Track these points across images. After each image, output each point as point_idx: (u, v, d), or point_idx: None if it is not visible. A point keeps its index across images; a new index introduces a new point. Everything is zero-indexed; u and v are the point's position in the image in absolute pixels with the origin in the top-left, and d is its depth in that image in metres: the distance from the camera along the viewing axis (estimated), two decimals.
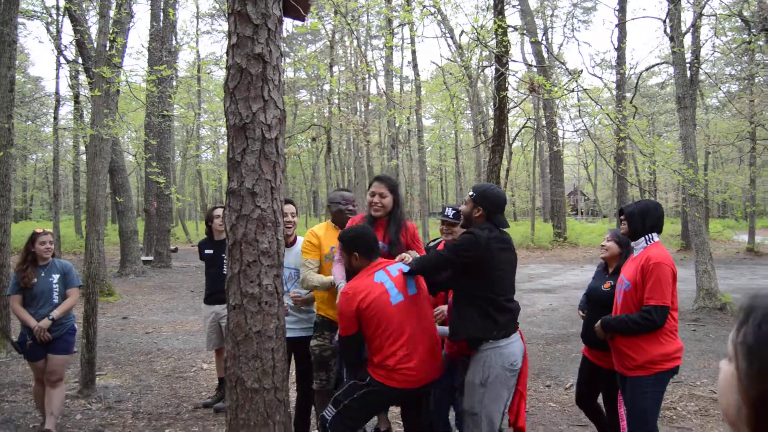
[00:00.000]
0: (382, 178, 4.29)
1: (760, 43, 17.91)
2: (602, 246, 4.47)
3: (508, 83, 7.61)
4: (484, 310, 3.48)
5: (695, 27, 13.31)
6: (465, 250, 3.47)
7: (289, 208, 4.59)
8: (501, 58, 7.19)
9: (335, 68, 21.56)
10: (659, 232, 3.75)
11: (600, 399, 4.56)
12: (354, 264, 3.72)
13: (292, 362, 4.66)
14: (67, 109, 32.59)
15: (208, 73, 27.01)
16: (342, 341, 3.67)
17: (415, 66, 24.41)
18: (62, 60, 18.12)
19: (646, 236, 3.71)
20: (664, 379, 3.64)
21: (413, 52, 24.39)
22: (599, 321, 3.77)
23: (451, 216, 4.62)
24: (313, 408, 4.79)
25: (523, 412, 3.72)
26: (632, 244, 3.83)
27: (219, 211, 5.90)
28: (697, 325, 9.79)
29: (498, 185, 7.93)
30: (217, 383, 6.19)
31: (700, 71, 16.73)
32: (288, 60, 26.06)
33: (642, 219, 3.70)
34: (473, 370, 3.52)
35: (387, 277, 3.60)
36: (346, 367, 4.11)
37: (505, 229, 3.70)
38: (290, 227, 4.63)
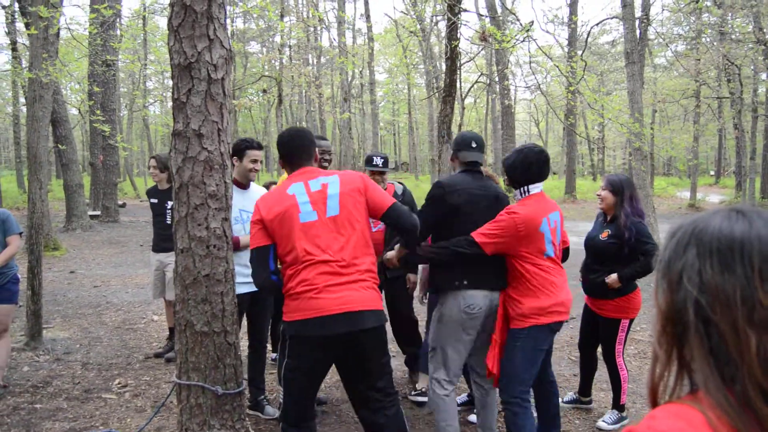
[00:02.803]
0: None
1: (707, 3, 18.23)
2: (597, 195, 4.33)
3: (460, 33, 7.58)
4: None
5: None
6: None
7: (259, 154, 4.39)
8: (453, 7, 7.14)
9: (286, 19, 21.06)
10: (538, 180, 3.46)
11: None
12: (285, 169, 3.24)
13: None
14: (3, 59, 31.12)
15: (154, 22, 26.06)
16: (251, 254, 3.09)
17: (368, 17, 24.07)
18: None
19: (521, 189, 3.49)
20: (537, 336, 3.38)
21: (366, 2, 24.02)
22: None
23: (380, 165, 4.68)
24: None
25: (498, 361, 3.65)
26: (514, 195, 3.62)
27: (150, 161, 5.89)
28: None
29: (449, 138, 7.97)
30: (168, 333, 6.17)
31: (650, 30, 16.99)
32: (238, 10, 25.33)
33: (520, 170, 3.45)
34: (438, 306, 3.55)
35: (303, 191, 3.00)
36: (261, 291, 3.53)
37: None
38: (254, 173, 4.41)
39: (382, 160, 4.74)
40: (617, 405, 4.35)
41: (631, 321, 4.29)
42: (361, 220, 3.00)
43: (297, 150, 3.14)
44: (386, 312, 3.13)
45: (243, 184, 4.33)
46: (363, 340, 2.91)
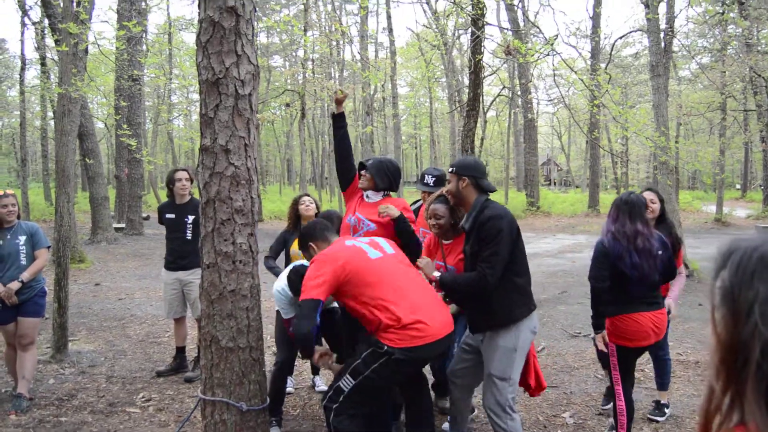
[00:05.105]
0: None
1: (732, 15, 18.04)
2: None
3: (484, 47, 7.57)
4: (520, 286, 3.52)
5: None
6: (497, 242, 3.40)
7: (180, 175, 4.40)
8: (477, 21, 7.13)
9: (309, 33, 21.27)
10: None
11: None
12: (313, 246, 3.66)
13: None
14: (33, 73, 31.74)
15: (179, 37, 26.42)
16: (305, 304, 3.13)
17: (390, 31, 24.18)
18: (27, 21, 17.56)
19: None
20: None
21: (389, 17, 24.14)
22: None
23: (432, 184, 4.50)
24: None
25: (540, 372, 3.74)
26: None
27: (180, 174, 5.62)
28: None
29: (472, 152, 7.94)
30: (174, 353, 5.99)
31: (674, 42, 16.87)
32: (262, 24, 25.61)
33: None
34: (505, 336, 3.40)
35: (357, 242, 3.50)
36: (296, 342, 3.33)
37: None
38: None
39: (434, 179, 4.46)
40: None
41: (620, 348, 3.77)
42: (403, 256, 3.67)
43: (330, 229, 3.74)
44: None
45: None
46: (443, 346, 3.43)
